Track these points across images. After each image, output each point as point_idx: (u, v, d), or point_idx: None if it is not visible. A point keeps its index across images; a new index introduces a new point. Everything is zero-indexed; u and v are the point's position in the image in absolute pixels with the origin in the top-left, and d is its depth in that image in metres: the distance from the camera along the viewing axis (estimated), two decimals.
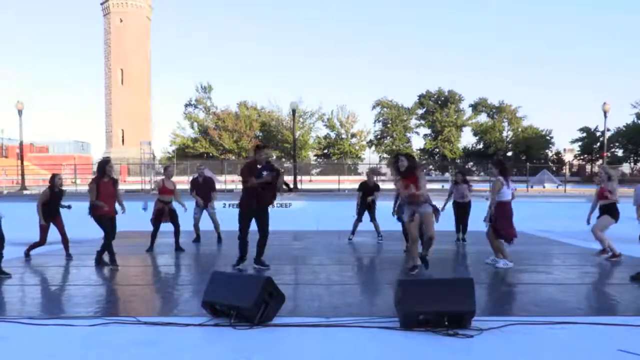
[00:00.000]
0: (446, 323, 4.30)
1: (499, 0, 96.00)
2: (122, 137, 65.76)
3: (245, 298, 4.47)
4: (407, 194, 6.72)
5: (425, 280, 5.59)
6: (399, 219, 8.50)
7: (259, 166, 7.09)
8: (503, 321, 4.56)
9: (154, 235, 9.07)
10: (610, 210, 7.91)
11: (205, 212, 10.10)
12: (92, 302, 5.46)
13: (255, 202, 7.05)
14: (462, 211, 10.02)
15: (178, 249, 9.02)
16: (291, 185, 7.54)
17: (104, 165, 7.71)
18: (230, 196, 20.86)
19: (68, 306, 5.37)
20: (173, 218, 9.07)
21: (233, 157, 62.49)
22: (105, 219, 7.52)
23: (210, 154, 64.12)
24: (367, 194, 10.16)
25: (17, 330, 4.43)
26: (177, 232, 9.06)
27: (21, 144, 33.11)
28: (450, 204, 10.12)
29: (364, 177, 10.54)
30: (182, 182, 38.98)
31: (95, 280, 6.72)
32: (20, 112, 30.80)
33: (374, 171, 10.60)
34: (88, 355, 3.86)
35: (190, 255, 8.78)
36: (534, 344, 4.07)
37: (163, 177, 9.43)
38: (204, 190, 10.02)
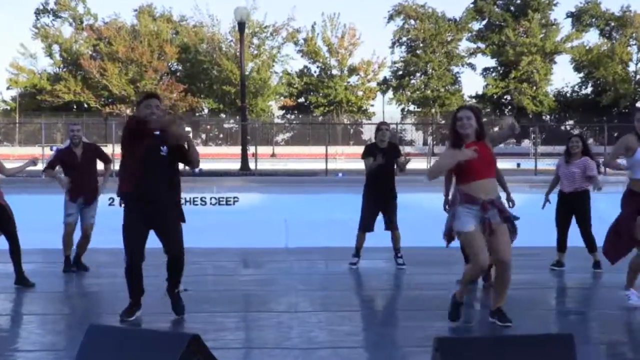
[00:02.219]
0: None
1: None
2: None
3: None
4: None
5: (484, 339, 5.63)
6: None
7: (155, 132, 7.08)
8: None
9: None
10: None
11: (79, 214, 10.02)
12: None
13: (144, 196, 7.11)
14: (577, 207, 10.15)
15: (21, 281, 8.99)
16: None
17: None
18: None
19: None
20: (4, 221, 8.89)
21: (128, 110, 62.25)
22: None
23: (85, 105, 63.90)
24: (381, 171, 10.15)
25: None
26: (14, 250, 8.91)
27: None
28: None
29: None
30: (31, 156, 38.78)
31: None
32: None
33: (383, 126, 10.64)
34: None
35: (51, 296, 8.76)
36: None
37: None
38: (82, 172, 9.82)
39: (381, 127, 10.53)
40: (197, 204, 18.61)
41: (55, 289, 9.15)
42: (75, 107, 64.50)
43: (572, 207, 10.09)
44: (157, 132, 7.08)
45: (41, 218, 12.44)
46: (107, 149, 33.97)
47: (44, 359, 6.15)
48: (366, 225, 10.27)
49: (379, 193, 10.21)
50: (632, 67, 67.29)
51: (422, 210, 11.57)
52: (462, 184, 6.76)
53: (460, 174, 6.76)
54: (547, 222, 10.37)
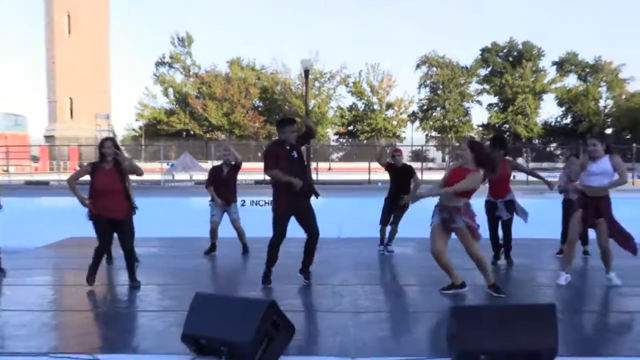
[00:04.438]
0: None
1: None
2: (71, 108, 66.30)
3: (241, 330, 4.52)
4: None
5: (488, 308, 5.62)
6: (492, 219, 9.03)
7: (287, 147, 7.33)
8: None
9: None
10: None
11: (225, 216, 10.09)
12: (34, 334, 5.58)
13: (292, 199, 7.35)
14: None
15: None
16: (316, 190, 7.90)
17: (100, 145, 7.53)
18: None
19: (1, 339, 5.49)
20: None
21: (223, 136, 62.80)
22: (100, 220, 7.42)
23: (192, 132, 64.65)
24: (400, 183, 10.12)
25: None
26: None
27: None
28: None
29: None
30: (154, 170, 39.33)
31: (39, 304, 6.84)
32: None
33: (390, 147, 10.56)
34: None
35: (168, 271, 8.91)
36: None
37: None
38: (227, 185, 9.91)
39: (389, 150, 10.50)
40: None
41: (171, 265, 9.31)
42: (184, 133, 65.25)
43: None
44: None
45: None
46: (208, 165, 34.34)
47: (163, 317, 6.23)
48: (383, 221, 10.29)
49: (393, 200, 10.02)
50: (602, 103, 66.38)
51: None
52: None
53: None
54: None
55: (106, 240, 7.58)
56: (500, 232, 9.11)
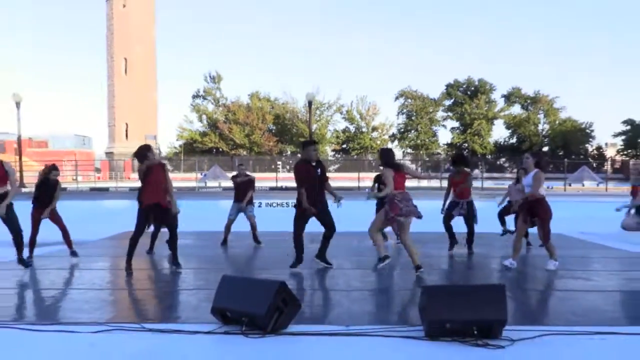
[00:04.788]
0: (475, 332, 4.29)
1: None
2: (126, 131, 66.44)
3: (257, 304, 4.50)
4: None
5: (452, 287, 5.60)
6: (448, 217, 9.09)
7: (313, 165, 7.28)
8: (537, 331, 4.52)
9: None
10: None
11: (241, 215, 10.22)
12: (95, 307, 5.54)
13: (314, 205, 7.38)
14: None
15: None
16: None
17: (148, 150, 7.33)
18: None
19: (69, 311, 5.47)
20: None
21: (244, 153, 62.84)
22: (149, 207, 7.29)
23: (220, 149, 64.58)
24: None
25: (14, 336, 4.51)
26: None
27: (19, 138, 33.49)
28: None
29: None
30: (190, 179, 39.49)
31: (99, 284, 6.83)
32: (17, 104, 31.22)
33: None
34: None
35: (201, 258, 8.87)
36: (570, 355, 4.03)
37: None
38: (243, 191, 10.18)
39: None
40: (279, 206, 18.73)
41: (203, 253, 9.28)
42: (214, 150, 65.12)
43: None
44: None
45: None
46: (231, 175, 34.44)
47: (197, 293, 6.19)
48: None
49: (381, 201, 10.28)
50: (540, 127, 66.41)
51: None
52: None
53: None
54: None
55: (142, 228, 7.40)
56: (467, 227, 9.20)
